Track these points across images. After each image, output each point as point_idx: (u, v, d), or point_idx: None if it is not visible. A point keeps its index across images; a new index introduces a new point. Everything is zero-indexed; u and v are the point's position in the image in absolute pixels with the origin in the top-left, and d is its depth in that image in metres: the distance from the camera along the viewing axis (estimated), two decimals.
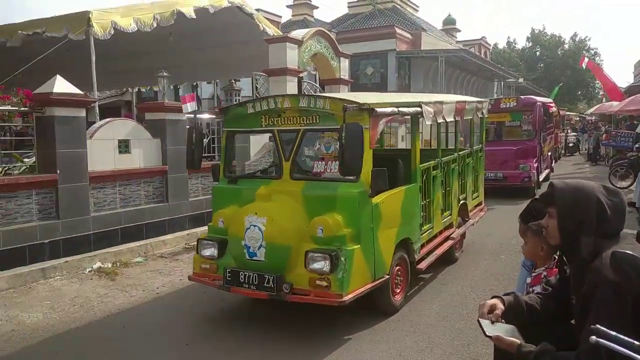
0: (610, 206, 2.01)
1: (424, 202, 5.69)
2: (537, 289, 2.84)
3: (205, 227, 8.72)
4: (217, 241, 4.82)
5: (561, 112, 24.12)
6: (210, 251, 4.86)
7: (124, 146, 7.91)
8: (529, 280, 3.00)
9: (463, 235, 7.15)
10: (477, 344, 4.19)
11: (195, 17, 10.10)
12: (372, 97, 5.06)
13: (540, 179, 13.17)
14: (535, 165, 12.29)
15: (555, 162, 17.43)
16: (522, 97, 13.79)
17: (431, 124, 5.93)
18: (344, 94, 8.80)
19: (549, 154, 15.33)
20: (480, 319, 2.17)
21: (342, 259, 4.20)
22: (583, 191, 2.06)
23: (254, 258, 4.43)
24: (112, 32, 8.84)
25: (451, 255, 6.69)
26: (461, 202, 6.96)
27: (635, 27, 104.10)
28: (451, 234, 6.47)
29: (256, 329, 4.77)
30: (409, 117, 5.57)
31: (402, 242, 5.06)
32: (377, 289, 4.60)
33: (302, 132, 4.81)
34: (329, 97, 4.66)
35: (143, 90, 19.92)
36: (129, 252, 7.41)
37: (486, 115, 8.17)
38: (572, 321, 2.22)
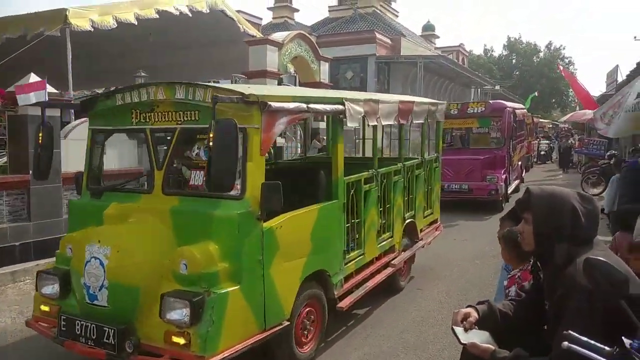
0: (585, 213, 2.04)
1: (351, 222, 4.57)
2: (513, 290, 2.89)
3: None
4: (60, 275, 3.59)
5: (535, 120, 23.78)
6: (50, 288, 3.66)
7: None
8: (505, 282, 3.05)
9: (412, 259, 6.12)
10: (452, 349, 4.23)
11: (177, 14, 10.02)
12: (275, 89, 4.44)
13: (509, 191, 12.22)
14: (504, 176, 11.30)
15: (526, 172, 16.46)
16: (490, 101, 12.88)
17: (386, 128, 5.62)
18: (242, 85, 7.55)
19: (519, 163, 14.30)
20: (454, 327, 2.18)
21: (209, 306, 3.07)
22: (558, 197, 2.09)
23: (95, 302, 3.24)
24: (91, 29, 8.71)
25: (394, 284, 5.67)
26: (407, 221, 5.81)
27: (608, 37, 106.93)
28: (392, 260, 5.34)
29: None
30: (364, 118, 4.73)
31: (314, 276, 3.98)
32: (274, 340, 3.58)
33: (178, 132, 3.70)
34: (212, 87, 3.56)
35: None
36: None
37: (443, 120, 7.01)
38: (545, 327, 2.26)
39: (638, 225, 3.88)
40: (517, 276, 2.91)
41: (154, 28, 11.19)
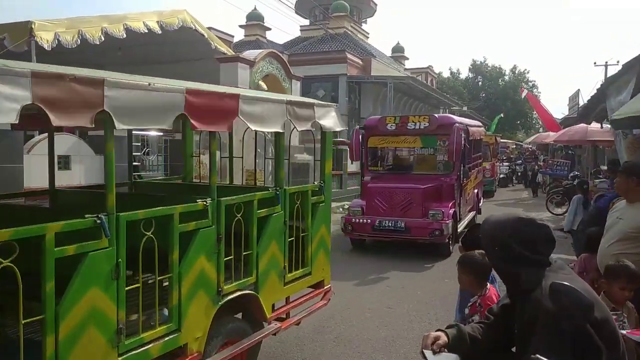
0: (529, 236, 2.08)
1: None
2: (476, 318, 2.91)
3: None
4: None
5: (497, 139, 22.20)
6: None
7: (64, 162, 7.59)
8: (466, 311, 3.06)
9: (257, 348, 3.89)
10: None
11: (145, 31, 9.92)
12: None
13: (460, 228, 9.53)
14: (452, 211, 8.76)
15: (482, 202, 13.20)
16: (436, 115, 10.20)
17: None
18: None
19: (476, 191, 11.92)
20: (424, 350, 2.18)
21: None
22: (501, 224, 2.15)
23: None
24: (56, 44, 8.53)
25: None
26: (230, 297, 3.36)
27: (570, 62, 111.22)
28: None
29: None
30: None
31: None
32: None
33: None
34: None
35: None
36: None
37: (333, 130, 4.45)
38: (514, 349, 2.27)
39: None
40: (477, 303, 2.93)
41: (123, 42, 11.06)
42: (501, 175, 22.91)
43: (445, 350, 2.21)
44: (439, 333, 2.27)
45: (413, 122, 9.53)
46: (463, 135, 9.10)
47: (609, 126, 9.47)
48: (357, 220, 8.78)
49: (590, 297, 1.88)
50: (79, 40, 8.85)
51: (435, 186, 9.08)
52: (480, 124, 13.37)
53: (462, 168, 9.42)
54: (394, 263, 8.19)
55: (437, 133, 9.49)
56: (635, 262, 3.54)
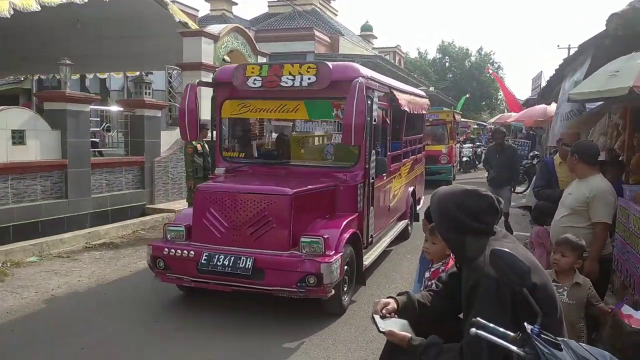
0: (476, 207, 2.16)
1: None
2: (434, 283, 3.00)
3: (110, 225, 8.34)
4: None
5: (457, 117, 19.05)
6: None
7: (18, 137, 7.34)
8: (427, 274, 3.15)
9: None
10: (380, 340, 4.33)
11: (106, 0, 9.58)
12: None
13: (371, 259, 5.86)
14: (346, 234, 4.94)
15: (422, 203, 9.30)
16: (329, 64, 5.48)
17: None
18: None
19: (411, 189, 8.29)
20: (374, 315, 2.26)
21: None
22: (448, 196, 2.25)
23: None
24: (12, 12, 8.13)
25: None
26: None
27: (534, 44, 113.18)
28: None
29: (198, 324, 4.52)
30: None
31: None
32: None
33: None
34: None
35: (44, 78, 18.55)
36: (22, 251, 6.86)
37: None
38: (461, 315, 2.37)
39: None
40: (440, 270, 3.02)
41: (83, 16, 10.65)
42: (464, 158, 21.10)
43: (395, 315, 2.30)
44: (389, 299, 2.35)
45: (291, 74, 5.43)
46: (375, 100, 5.56)
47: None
48: (175, 251, 4.81)
49: (529, 262, 1.97)
50: (38, 7, 8.46)
51: (320, 189, 5.26)
52: (422, 93, 9.47)
53: (372, 157, 5.62)
54: (228, 343, 4.35)
55: (332, 96, 5.47)
56: (585, 235, 3.73)
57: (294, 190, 4.84)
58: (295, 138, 7.14)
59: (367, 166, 5.54)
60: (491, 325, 1.83)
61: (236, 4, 30.91)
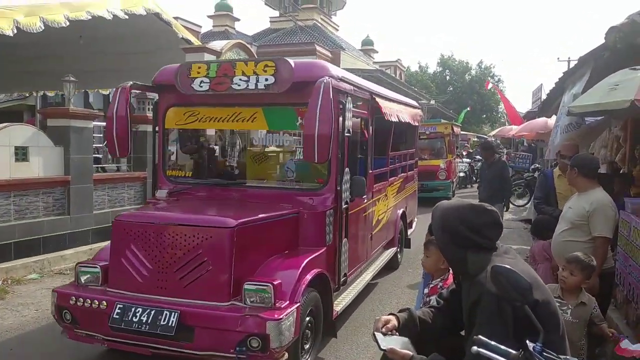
0: (478, 222, 2.16)
1: None
2: (434, 299, 2.99)
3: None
4: None
5: (456, 130, 17.73)
6: None
7: (21, 153, 7.37)
8: (426, 290, 3.14)
9: None
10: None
11: (110, 18, 9.68)
12: None
13: (343, 304, 4.71)
14: (308, 277, 3.84)
15: (414, 227, 8.53)
16: (291, 61, 4.42)
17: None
18: None
19: (399, 212, 7.37)
20: (375, 333, 2.24)
21: None
22: (450, 211, 2.24)
23: None
24: (15, 31, 8.23)
25: None
26: None
27: (534, 57, 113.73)
28: None
29: None
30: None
31: None
32: None
33: None
34: None
35: (50, 95, 18.71)
36: (23, 268, 6.86)
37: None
38: (463, 333, 2.36)
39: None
40: (438, 286, 3.02)
41: (85, 32, 10.75)
42: (460, 174, 19.38)
43: (396, 333, 2.29)
44: (390, 317, 2.34)
45: (245, 74, 4.42)
46: (349, 106, 4.51)
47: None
48: (83, 300, 3.78)
49: (530, 279, 1.96)
50: (42, 26, 8.55)
51: (276, 218, 4.22)
52: (413, 102, 8.67)
53: (346, 176, 4.57)
54: None
55: (296, 101, 4.51)
56: (585, 249, 3.71)
57: (238, 221, 3.72)
58: (252, 154, 6.11)
59: (338, 187, 4.49)
60: (493, 343, 1.81)
61: (239, 19, 31.26)
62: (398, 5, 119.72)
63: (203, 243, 3.66)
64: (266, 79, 4.37)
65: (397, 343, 2.19)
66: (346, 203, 4.61)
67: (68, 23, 8.86)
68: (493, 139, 20.81)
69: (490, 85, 27.48)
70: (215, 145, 6.66)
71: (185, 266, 3.65)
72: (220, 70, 4.52)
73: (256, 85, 4.40)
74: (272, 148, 6.23)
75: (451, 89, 53.98)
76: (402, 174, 7.63)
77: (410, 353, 2.13)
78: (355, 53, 33.10)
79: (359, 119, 5.57)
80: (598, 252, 3.77)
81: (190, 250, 3.66)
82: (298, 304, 3.61)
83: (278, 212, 4.27)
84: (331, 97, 3.97)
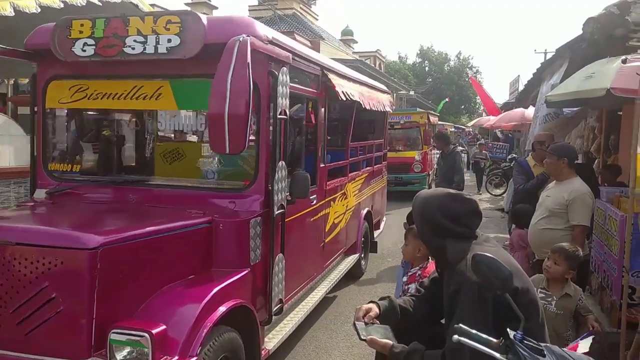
0: (457, 211, 2.15)
1: None
2: (412, 287, 2.99)
3: None
4: None
5: (432, 119, 16.28)
6: None
7: None
8: (405, 278, 3.14)
9: None
10: (361, 346, 4.31)
11: (83, 4, 9.41)
12: None
13: (275, 345, 3.58)
14: (215, 315, 2.73)
15: (381, 228, 7.62)
16: (202, 15, 3.30)
17: None
18: None
19: (364, 212, 6.36)
20: (356, 322, 2.22)
21: None
22: (429, 199, 2.23)
23: None
24: (12, 13, 7.91)
25: None
26: None
27: (512, 49, 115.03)
28: None
29: None
30: None
31: None
32: None
33: None
34: None
35: (22, 82, 18.20)
36: None
37: None
38: (443, 321, 2.35)
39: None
40: (417, 274, 3.01)
41: (60, 16, 10.45)
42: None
43: (377, 321, 2.27)
44: (370, 305, 2.32)
45: (141, 33, 3.27)
46: (284, 79, 3.48)
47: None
48: None
49: (511, 266, 1.95)
50: (12, 12, 8.26)
51: (173, 231, 3.00)
52: (383, 87, 7.96)
53: (282, 171, 3.50)
54: None
55: (213, 72, 2.87)
56: (562, 237, 3.76)
57: (103, 239, 2.55)
58: (161, 144, 4.57)
59: (270, 187, 3.40)
60: (473, 331, 1.80)
61: (217, 8, 30.82)
62: None
63: (51, 271, 2.50)
64: (169, 40, 3.18)
65: (377, 332, 2.17)
66: (282, 207, 3.50)
67: (40, 9, 8.60)
68: (472, 129, 20.76)
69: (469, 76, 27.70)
70: (123, 132, 4.89)
71: (25, 306, 2.51)
72: (109, 28, 3.31)
73: (156, 48, 3.21)
74: (193, 138, 4.69)
75: (430, 80, 54.28)
76: (367, 168, 6.55)
77: (391, 342, 2.12)
78: (335, 43, 32.98)
79: (306, 100, 4.46)
80: (576, 240, 3.81)
81: (32, 282, 2.51)
82: (194, 359, 2.53)
83: (180, 223, 3.05)
84: (248, 61, 2.82)
